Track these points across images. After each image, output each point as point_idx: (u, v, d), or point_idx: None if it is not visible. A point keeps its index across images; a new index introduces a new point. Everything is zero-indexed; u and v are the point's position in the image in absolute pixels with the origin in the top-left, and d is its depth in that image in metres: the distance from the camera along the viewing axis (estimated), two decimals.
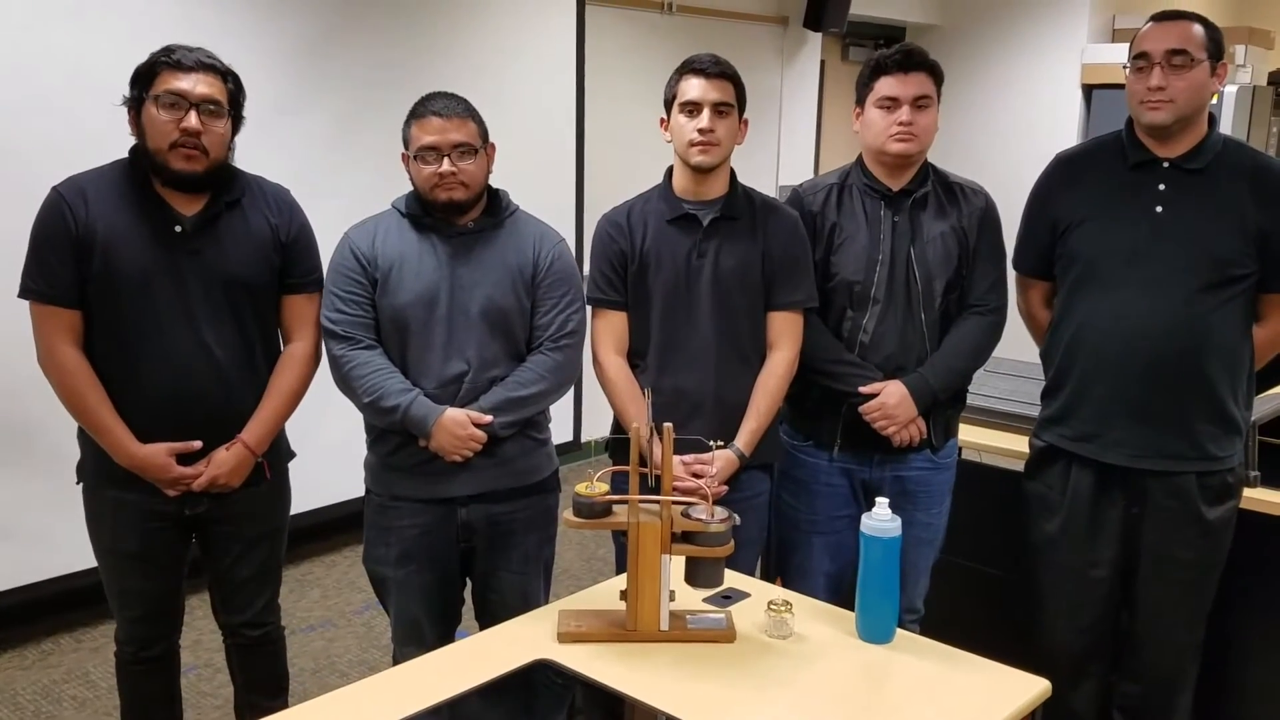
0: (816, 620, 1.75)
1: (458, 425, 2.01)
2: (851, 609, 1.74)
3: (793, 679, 1.57)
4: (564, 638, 1.67)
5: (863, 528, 1.68)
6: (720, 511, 1.67)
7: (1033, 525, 2.31)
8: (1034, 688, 1.56)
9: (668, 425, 1.66)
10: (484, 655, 1.63)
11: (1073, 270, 2.17)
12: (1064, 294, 2.21)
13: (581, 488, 1.68)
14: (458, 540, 2.11)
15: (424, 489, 2.08)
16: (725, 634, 1.68)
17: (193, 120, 1.93)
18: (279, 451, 2.22)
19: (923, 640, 1.70)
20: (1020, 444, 2.65)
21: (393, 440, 2.08)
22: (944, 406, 2.33)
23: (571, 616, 1.71)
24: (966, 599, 2.71)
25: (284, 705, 2.37)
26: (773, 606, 1.70)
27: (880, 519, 1.66)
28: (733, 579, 1.87)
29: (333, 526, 3.81)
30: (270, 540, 2.25)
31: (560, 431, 4.77)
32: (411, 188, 2.11)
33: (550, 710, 1.55)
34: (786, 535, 2.45)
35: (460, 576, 2.17)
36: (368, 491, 2.17)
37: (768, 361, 2.22)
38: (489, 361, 2.06)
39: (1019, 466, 2.41)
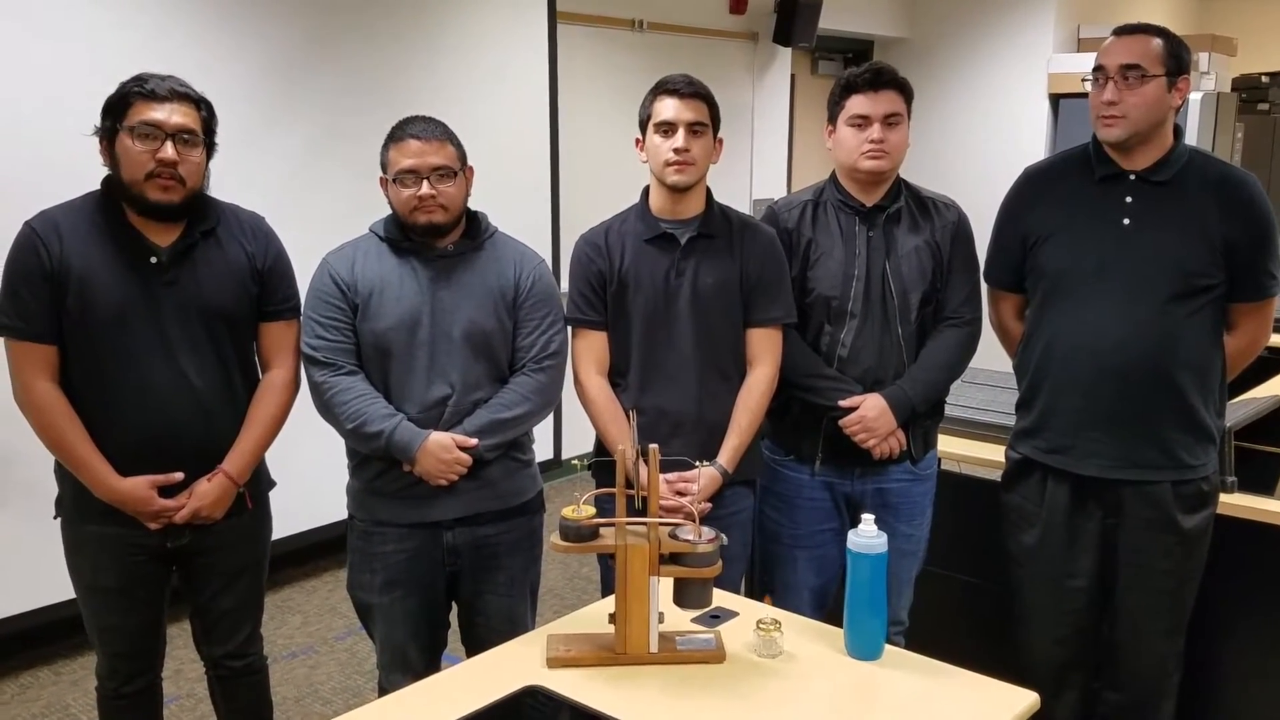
0: (805, 638, 1.76)
1: (443, 449, 2.00)
2: (838, 621, 1.75)
3: (783, 699, 1.58)
4: (553, 663, 1.66)
5: (849, 545, 1.69)
6: (708, 531, 1.67)
7: (1011, 537, 2.32)
8: (1022, 701, 1.57)
9: (653, 447, 1.67)
10: (473, 683, 1.62)
11: (1042, 284, 2.20)
12: (1034, 307, 2.24)
13: (568, 511, 1.68)
14: (443, 564, 2.10)
15: (409, 514, 2.07)
16: (715, 654, 1.68)
17: (169, 151, 1.92)
18: (260, 481, 2.20)
19: (911, 656, 1.71)
20: (998, 454, 2.67)
21: (376, 466, 2.06)
22: (923, 418, 2.34)
23: (560, 641, 1.71)
24: (948, 608, 2.72)
25: None
26: (761, 626, 1.70)
27: (866, 535, 1.67)
28: (720, 598, 1.87)
29: (313, 551, 3.78)
30: (252, 571, 2.23)
31: (540, 450, 4.77)
32: (389, 212, 2.10)
33: None
34: (770, 550, 2.45)
35: (446, 601, 2.16)
36: (350, 518, 2.15)
37: (748, 378, 2.23)
38: (472, 384, 2.05)
39: (997, 476, 2.43)
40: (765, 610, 1.77)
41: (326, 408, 2.05)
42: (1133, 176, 2.12)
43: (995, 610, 2.63)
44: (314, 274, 2.10)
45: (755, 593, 2.63)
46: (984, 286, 2.37)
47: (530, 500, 2.17)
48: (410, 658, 2.10)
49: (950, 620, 2.67)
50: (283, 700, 3.01)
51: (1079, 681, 2.31)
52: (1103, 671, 2.28)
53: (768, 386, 2.23)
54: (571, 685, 1.61)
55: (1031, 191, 2.27)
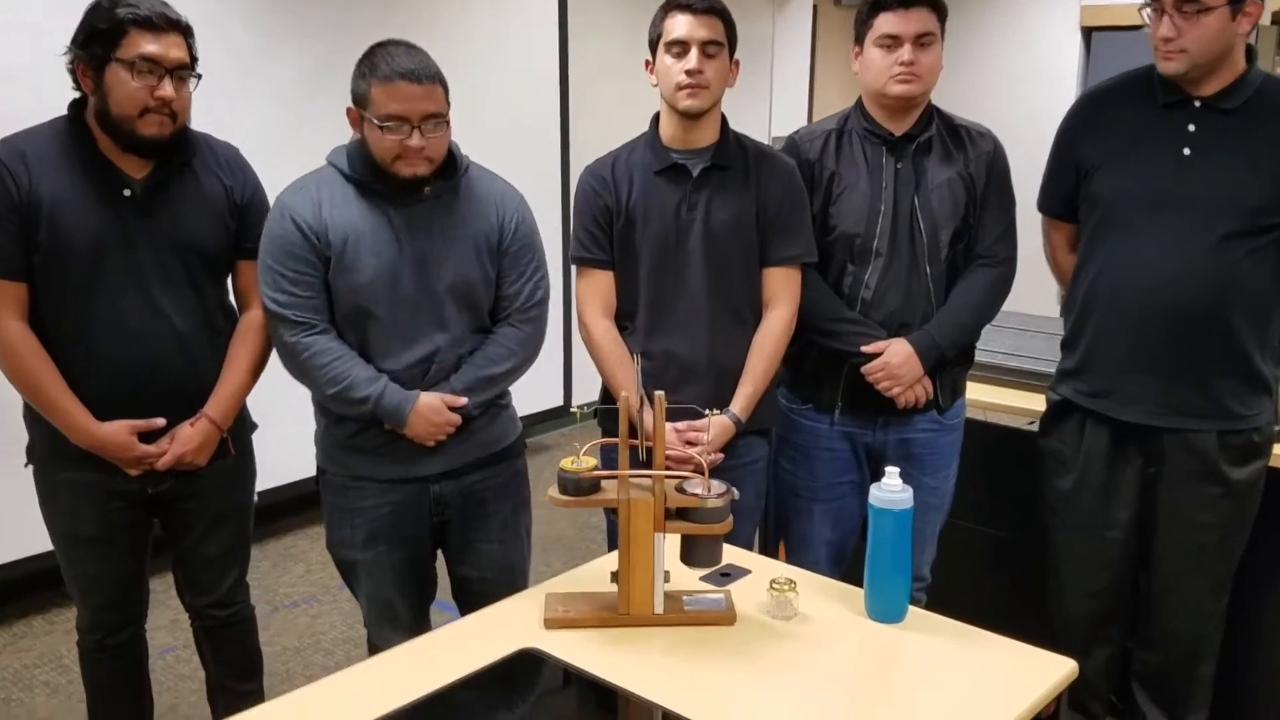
0: (822, 598, 1.64)
1: (434, 412, 1.87)
2: (856, 579, 1.63)
3: (799, 664, 1.46)
4: (551, 623, 1.55)
5: (872, 499, 1.55)
6: (718, 485, 1.54)
7: (1046, 483, 2.20)
8: (1060, 669, 1.44)
9: (659, 394, 1.53)
10: (465, 644, 1.51)
11: (1094, 214, 2.05)
12: (1085, 239, 2.09)
13: (566, 463, 1.55)
14: (430, 516, 1.97)
15: (392, 469, 1.93)
16: (725, 616, 1.56)
17: (168, 89, 1.81)
18: (242, 424, 2.10)
19: (936, 618, 1.59)
20: (1029, 401, 2.55)
21: (353, 423, 1.92)
22: (951, 364, 2.20)
23: (559, 600, 1.60)
24: (971, 562, 2.60)
25: (258, 688, 2.28)
26: (775, 585, 1.58)
27: (891, 490, 1.54)
28: (731, 554, 1.75)
29: (316, 498, 3.68)
30: (236, 517, 2.14)
31: (549, 397, 4.68)
32: (350, 139, 1.89)
33: (537, 703, 1.43)
34: (786, 503, 2.33)
35: (432, 553, 2.05)
36: (321, 472, 2.00)
37: (764, 321, 2.09)
38: (457, 339, 1.91)
39: (1025, 424, 2.30)
40: (779, 568, 1.64)
41: (302, 371, 1.88)
42: (1197, 103, 1.95)
43: (1020, 565, 2.52)
44: (270, 216, 1.88)
45: (769, 549, 2.52)
46: (1030, 222, 2.21)
47: (513, 444, 2.05)
48: (399, 613, 1.99)
49: (973, 575, 2.55)
50: (282, 650, 2.93)
51: (1112, 639, 2.20)
52: (1138, 629, 2.17)
53: (785, 330, 2.09)
54: (570, 648, 1.49)
55: (1089, 115, 2.11)
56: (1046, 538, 2.23)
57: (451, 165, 1.90)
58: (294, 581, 3.33)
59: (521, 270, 1.95)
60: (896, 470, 1.55)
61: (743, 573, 1.72)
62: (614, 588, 1.57)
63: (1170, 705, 2.18)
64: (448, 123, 1.84)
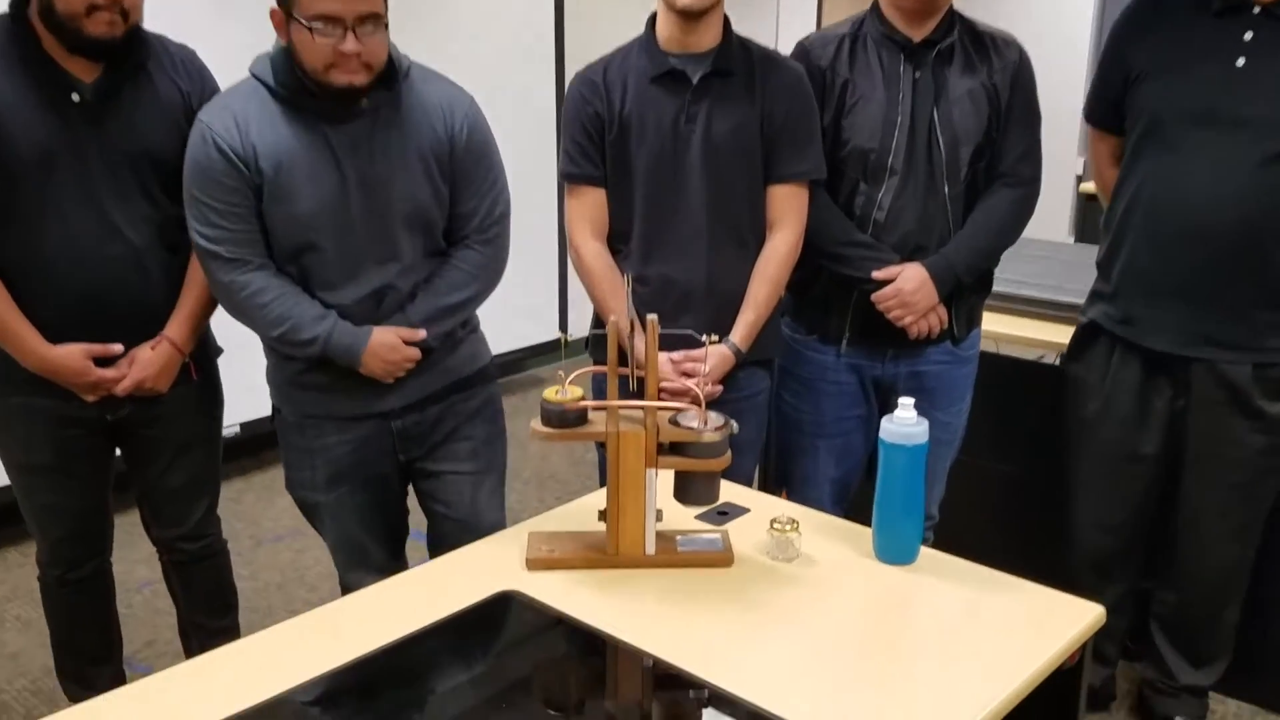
0: (826, 539, 1.52)
1: (390, 349, 1.72)
2: (860, 518, 1.52)
3: (801, 609, 1.34)
4: (534, 564, 1.43)
5: (883, 434, 1.43)
6: (715, 418, 1.41)
7: (1070, 411, 2.09)
8: (1085, 614, 1.33)
9: (652, 317, 1.39)
10: (441, 585, 1.40)
11: (1138, 127, 1.90)
12: (1127, 153, 1.94)
13: (550, 393, 1.42)
14: (395, 452, 1.84)
15: (348, 406, 1.78)
16: (721, 557, 1.45)
17: None
18: (205, 348, 1.99)
19: (950, 559, 1.47)
20: (1043, 332, 2.42)
21: (303, 360, 1.76)
22: (968, 292, 2.06)
23: (542, 540, 1.48)
24: (980, 499, 2.49)
25: (232, 624, 2.20)
26: (776, 525, 1.46)
27: (904, 423, 1.41)
28: (729, 492, 1.63)
29: None
30: (202, 446, 2.03)
31: (544, 329, 4.55)
32: (273, 48, 1.68)
33: (517, 650, 1.32)
34: (788, 440, 2.21)
35: (401, 489, 1.92)
36: (275, 411, 1.85)
37: (768, 244, 1.94)
38: (410, 267, 1.75)
39: (1041, 357, 2.18)
40: (780, 506, 1.52)
41: (241, 311, 1.71)
42: (1256, 9, 1.78)
43: (1031, 502, 2.41)
44: (191, 137, 1.67)
45: (769, 486, 2.41)
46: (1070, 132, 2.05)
47: (483, 368, 1.90)
48: (370, 553, 1.88)
49: (982, 513, 2.44)
50: (265, 585, 2.84)
51: (1127, 577, 2.09)
52: (1159, 568, 2.06)
53: (789, 253, 1.94)
54: (554, 591, 1.38)
55: (1140, 19, 1.95)
56: (1064, 469, 2.11)
57: (391, 73, 1.68)
58: (278, 515, 3.23)
59: (477, 185, 1.77)
60: (910, 401, 1.42)
61: (741, 511, 1.60)
62: (602, 527, 1.45)
63: (1190, 649, 2.08)
64: (386, 24, 1.63)
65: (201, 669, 1.24)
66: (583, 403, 1.41)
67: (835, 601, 1.37)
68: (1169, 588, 2.06)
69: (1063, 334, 2.38)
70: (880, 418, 2.16)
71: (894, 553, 1.45)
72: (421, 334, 1.74)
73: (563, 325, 4.23)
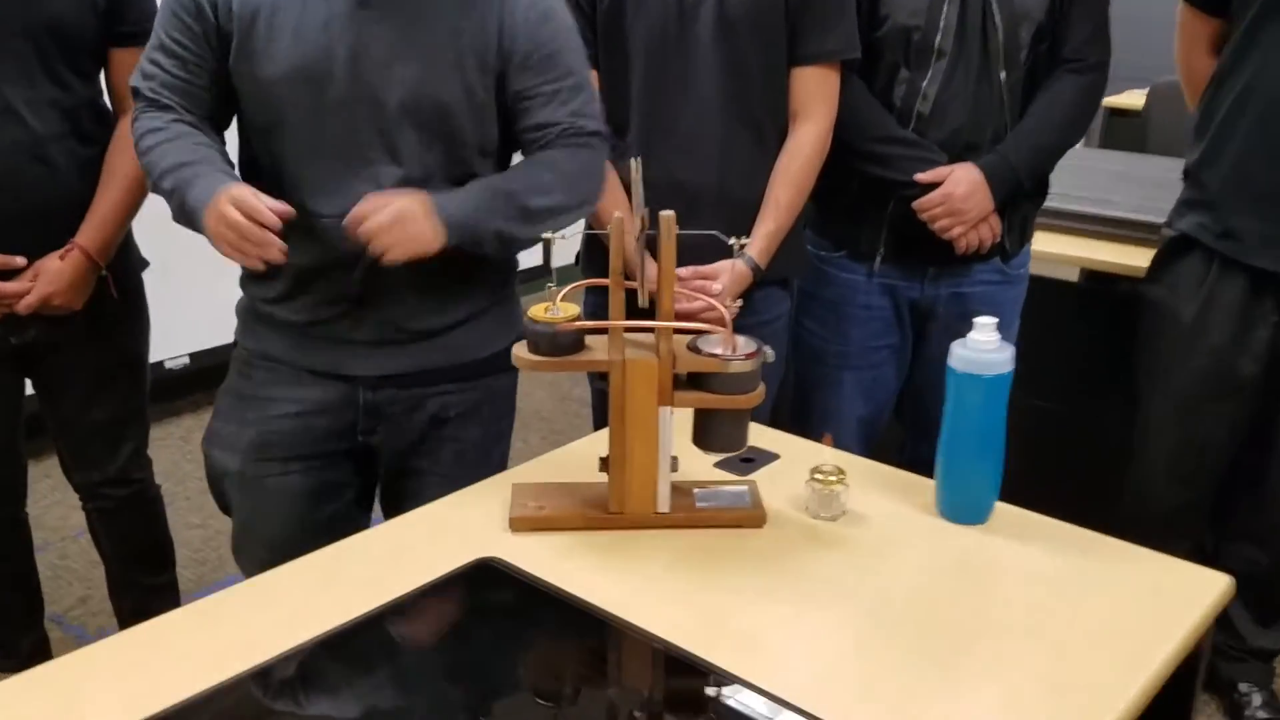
0: (877, 491, 1.24)
1: (236, 201, 1.21)
2: (886, 459, 1.27)
3: (850, 581, 1.07)
4: (519, 524, 1.15)
5: (954, 361, 1.14)
6: (745, 343, 1.12)
7: (1146, 341, 1.81)
8: (1212, 586, 1.06)
9: (667, 214, 1.09)
10: (407, 550, 1.12)
11: (1255, 5, 1.58)
12: (1238, 38, 1.63)
13: (538, 310, 1.13)
14: (355, 431, 1.43)
15: (312, 356, 1.41)
16: (751, 515, 1.17)
17: None
18: (127, 259, 1.70)
19: (1032, 518, 1.19)
20: (1090, 250, 2.15)
21: (276, 282, 1.38)
22: (1024, 199, 1.77)
23: (529, 494, 1.19)
24: (1014, 440, 2.23)
25: (170, 580, 1.94)
26: (818, 475, 1.18)
27: (983, 348, 1.13)
28: (757, 435, 1.35)
29: None
30: (126, 376, 1.76)
31: (531, 252, 4.19)
32: None
33: (495, 631, 1.04)
34: (809, 372, 1.93)
35: (355, 476, 1.48)
36: (235, 344, 1.50)
37: (791, 138, 1.64)
38: (419, 180, 1.32)
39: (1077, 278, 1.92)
40: (820, 453, 1.24)
41: (141, 161, 1.34)
42: None
43: (1074, 445, 2.16)
44: None
45: (784, 426, 2.13)
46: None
47: (503, 351, 1.30)
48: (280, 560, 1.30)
49: (1016, 457, 2.18)
50: (216, 534, 2.56)
51: (1195, 531, 1.84)
52: (1239, 521, 1.81)
53: (817, 150, 1.64)
54: (543, 558, 1.10)
55: None
56: (1134, 408, 1.84)
57: None
58: None
59: (555, 89, 1.34)
60: (991, 322, 1.14)
61: (769, 458, 1.32)
62: (603, 478, 1.16)
63: (1264, 609, 1.84)
64: None
65: (121, 648, 0.96)
66: (579, 324, 1.11)
67: (892, 571, 1.09)
68: (1250, 541, 1.81)
69: (1100, 250, 2.14)
70: (914, 346, 1.91)
71: (964, 509, 1.17)
72: (283, 208, 1.22)
73: (546, 247, 3.90)
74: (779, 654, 0.96)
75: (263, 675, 0.93)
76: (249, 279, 1.42)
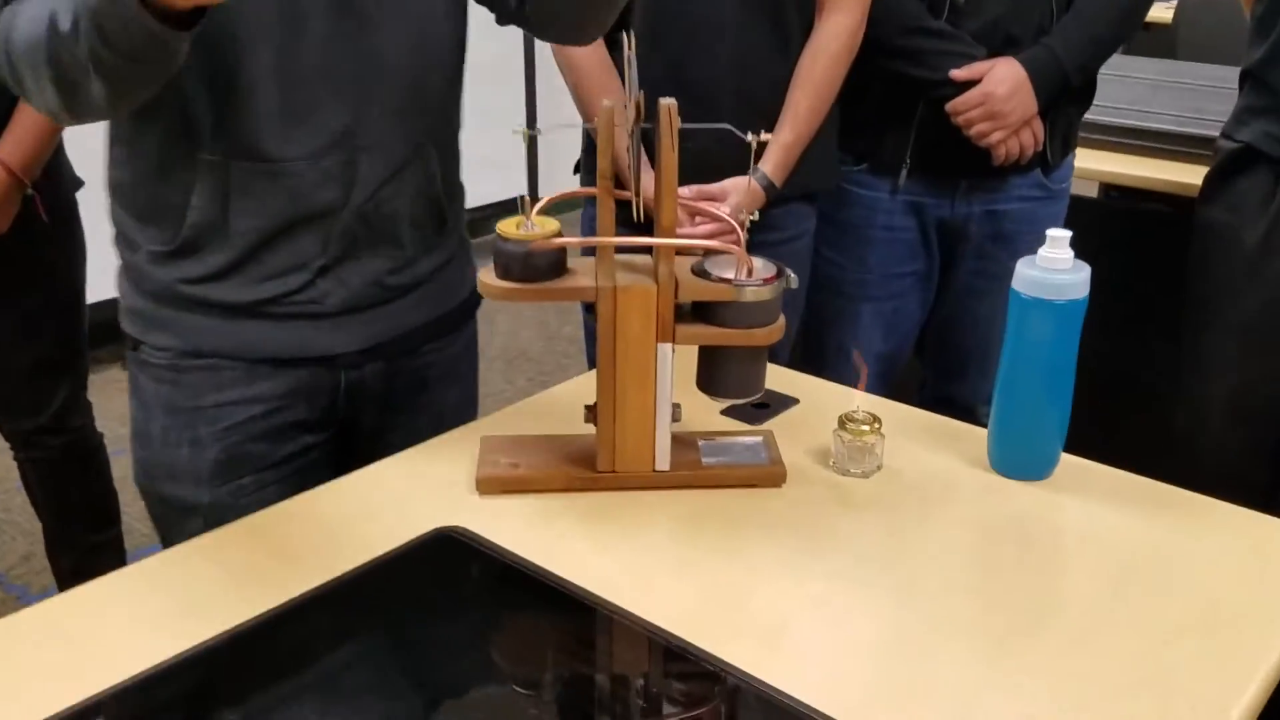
0: (917, 442, 1.04)
1: None
2: (905, 399, 1.10)
3: (893, 554, 0.88)
4: (487, 486, 0.96)
5: (1019, 284, 0.94)
6: (762, 265, 0.92)
7: (1199, 271, 1.60)
8: None
9: (668, 101, 0.88)
10: (358, 517, 0.92)
11: None
12: None
13: (508, 225, 0.91)
14: (335, 420, 1.13)
15: (272, 341, 1.06)
16: (767, 472, 0.97)
17: None
18: (57, 178, 1.51)
19: (1101, 470, 1.00)
20: (1117, 165, 1.93)
21: (211, 254, 1.02)
22: (1068, 103, 1.55)
23: (501, 449, 0.99)
24: None
25: (114, 537, 1.76)
26: (849, 424, 0.98)
27: (1055, 267, 0.92)
28: (775, 378, 1.15)
29: None
30: (62, 307, 1.58)
31: (509, 181, 3.88)
32: None
33: (458, 616, 0.85)
34: (822, 303, 1.72)
35: (330, 465, 1.16)
36: (134, 344, 1.10)
37: (816, 32, 1.42)
38: (412, 103, 1.04)
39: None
40: (847, 397, 1.04)
41: (11, 69, 0.89)
42: None
43: (1113, 387, 1.96)
44: None
45: (800, 363, 1.93)
46: None
47: (470, 296, 1.20)
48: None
49: None
50: None
51: (1257, 479, 1.65)
52: None
53: (845, 47, 1.42)
54: (516, 527, 0.91)
55: None
56: (1187, 343, 1.64)
57: None
58: None
59: None
60: (1066, 234, 0.93)
61: (788, 403, 1.12)
62: (590, 430, 0.96)
63: None
64: None
65: (54, 613, 0.77)
66: (559, 240, 0.90)
67: (939, 539, 0.90)
68: None
69: (1129, 165, 1.93)
70: (941, 273, 1.70)
71: (1024, 463, 0.98)
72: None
73: (533, 174, 3.66)
74: (801, 645, 0.77)
75: (189, 665, 0.74)
76: (162, 254, 1.03)
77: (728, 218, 0.94)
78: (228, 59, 0.94)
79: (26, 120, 1.41)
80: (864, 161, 1.60)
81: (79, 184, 1.58)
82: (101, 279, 1.64)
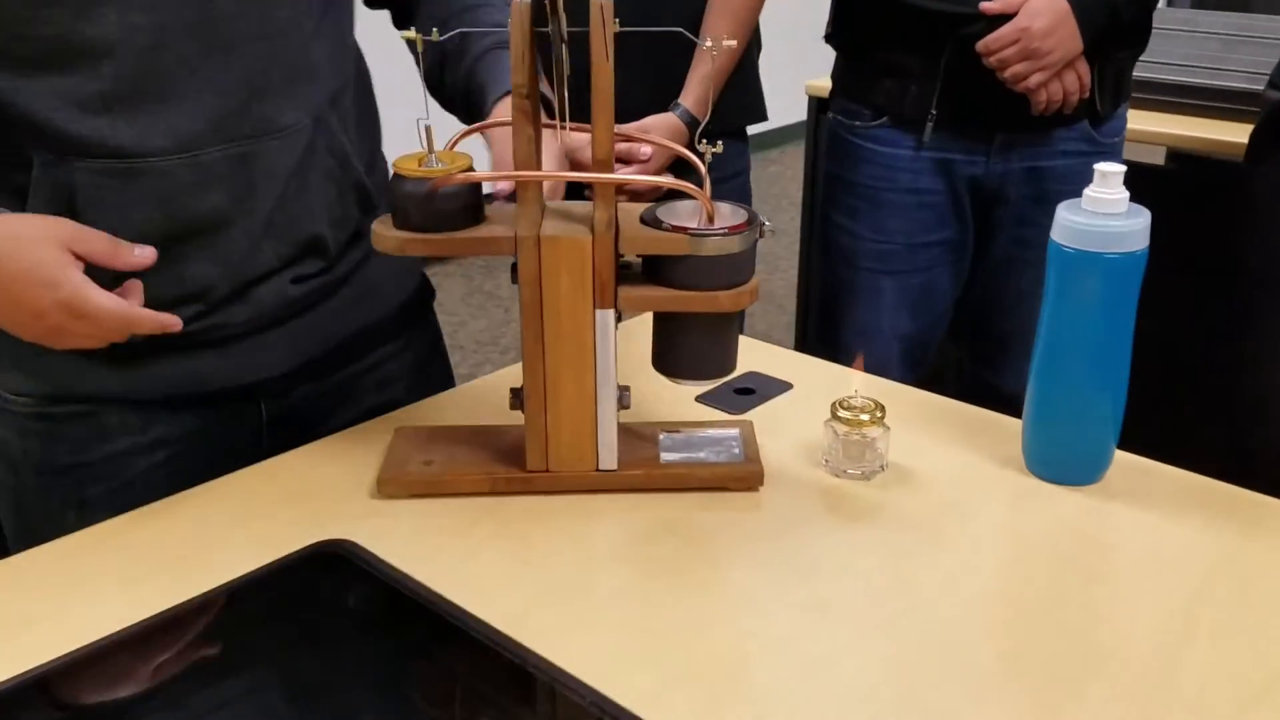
0: (932, 435, 0.84)
1: (56, 267, 0.70)
2: (942, 393, 0.89)
3: (900, 578, 0.68)
4: (390, 488, 0.77)
5: (1059, 233, 0.73)
6: (728, 210, 0.73)
7: (1250, 238, 1.37)
8: None
9: (602, 0, 0.68)
10: (232, 525, 0.74)
11: None
12: None
13: (407, 162, 0.73)
14: (258, 452, 0.86)
15: (171, 377, 0.85)
16: (741, 472, 0.78)
17: None
18: None
19: (1171, 473, 0.79)
20: (1184, 127, 1.72)
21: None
22: (1119, 45, 1.33)
23: (415, 443, 0.81)
24: None
25: None
26: (844, 411, 0.78)
27: (1105, 209, 0.71)
28: (756, 354, 0.96)
29: None
30: None
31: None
32: None
33: (345, 658, 0.67)
34: (838, 277, 1.52)
35: None
36: None
37: None
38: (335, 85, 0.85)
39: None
40: (851, 379, 0.84)
41: None
42: None
43: (1160, 371, 1.74)
44: None
45: (809, 346, 1.74)
46: None
47: (420, 288, 1.00)
48: None
49: None
50: None
51: None
52: None
53: None
54: (422, 543, 0.72)
55: None
56: (1245, 321, 1.42)
57: None
58: None
59: None
60: (1119, 170, 0.72)
61: (780, 388, 0.92)
62: (516, 419, 0.78)
63: None
64: None
65: None
66: (465, 175, 0.71)
67: (958, 559, 0.70)
68: None
69: (1196, 127, 1.72)
70: (976, 241, 1.49)
71: (1067, 464, 0.77)
72: (144, 255, 0.74)
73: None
74: (768, 698, 0.58)
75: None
76: None
77: (684, 151, 0.74)
78: (60, 21, 0.71)
79: None
80: (883, 114, 1.39)
81: None
82: None
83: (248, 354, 0.86)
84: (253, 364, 0.86)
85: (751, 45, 1.44)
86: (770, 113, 1.51)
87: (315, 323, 0.88)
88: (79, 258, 0.71)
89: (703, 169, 0.73)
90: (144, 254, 0.75)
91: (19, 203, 0.77)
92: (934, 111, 1.35)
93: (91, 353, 0.79)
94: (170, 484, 0.81)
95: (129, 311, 0.72)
